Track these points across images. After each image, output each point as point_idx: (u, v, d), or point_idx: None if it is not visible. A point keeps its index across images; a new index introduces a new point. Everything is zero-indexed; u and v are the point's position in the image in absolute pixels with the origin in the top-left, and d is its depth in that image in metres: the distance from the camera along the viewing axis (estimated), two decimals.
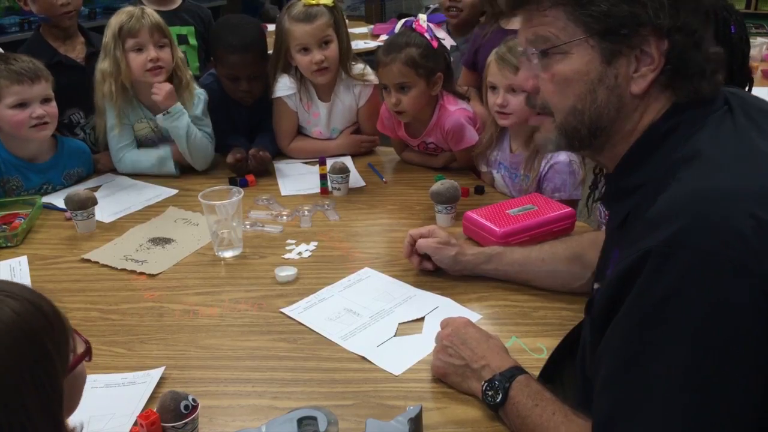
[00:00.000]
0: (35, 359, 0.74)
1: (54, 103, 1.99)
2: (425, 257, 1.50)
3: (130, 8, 2.10)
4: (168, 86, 2.09)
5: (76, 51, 2.35)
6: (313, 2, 2.12)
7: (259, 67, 2.27)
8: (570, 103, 0.95)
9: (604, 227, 1.68)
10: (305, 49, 2.15)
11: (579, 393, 1.03)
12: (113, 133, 2.16)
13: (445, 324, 1.23)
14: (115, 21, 2.07)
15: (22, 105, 1.92)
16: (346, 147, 2.32)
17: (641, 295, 0.81)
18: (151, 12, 2.09)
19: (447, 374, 1.16)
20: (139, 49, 2.06)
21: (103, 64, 2.09)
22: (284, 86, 2.26)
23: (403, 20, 2.09)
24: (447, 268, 1.50)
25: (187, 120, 2.13)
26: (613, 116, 0.94)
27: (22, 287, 0.79)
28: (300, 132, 2.36)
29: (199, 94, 2.22)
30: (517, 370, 1.08)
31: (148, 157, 2.18)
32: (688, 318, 0.77)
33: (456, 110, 2.09)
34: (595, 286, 1.07)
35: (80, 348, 0.85)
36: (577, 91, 0.94)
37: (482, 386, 1.09)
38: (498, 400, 1.05)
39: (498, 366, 1.10)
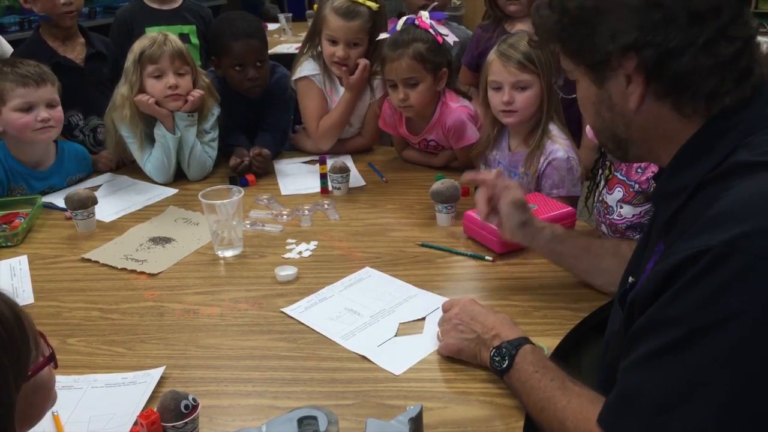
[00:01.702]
0: None
1: (60, 108, 1.98)
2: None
3: (153, 34, 2.08)
4: (200, 93, 2.09)
5: (76, 52, 2.34)
6: (360, 0, 2.13)
7: (264, 54, 2.28)
8: (591, 121, 1.06)
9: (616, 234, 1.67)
10: (333, 41, 2.17)
11: (599, 384, 1.03)
12: (136, 150, 2.13)
13: (450, 305, 1.28)
14: (137, 46, 2.05)
15: (27, 108, 1.92)
16: (355, 85, 2.22)
17: (689, 289, 0.81)
18: (173, 39, 2.07)
19: (461, 350, 1.21)
20: (159, 76, 2.04)
21: (122, 89, 2.07)
22: (309, 67, 2.27)
23: (404, 18, 2.09)
24: (510, 229, 1.42)
25: (195, 133, 2.12)
26: (624, 130, 1.00)
27: None
28: None
29: (215, 111, 2.20)
30: (524, 340, 1.14)
31: (163, 153, 2.12)
32: (737, 314, 0.78)
33: (458, 107, 2.09)
34: (630, 279, 1.08)
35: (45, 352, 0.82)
36: (590, 111, 1.04)
37: (490, 353, 1.15)
38: (504, 365, 1.11)
39: (507, 335, 1.16)
